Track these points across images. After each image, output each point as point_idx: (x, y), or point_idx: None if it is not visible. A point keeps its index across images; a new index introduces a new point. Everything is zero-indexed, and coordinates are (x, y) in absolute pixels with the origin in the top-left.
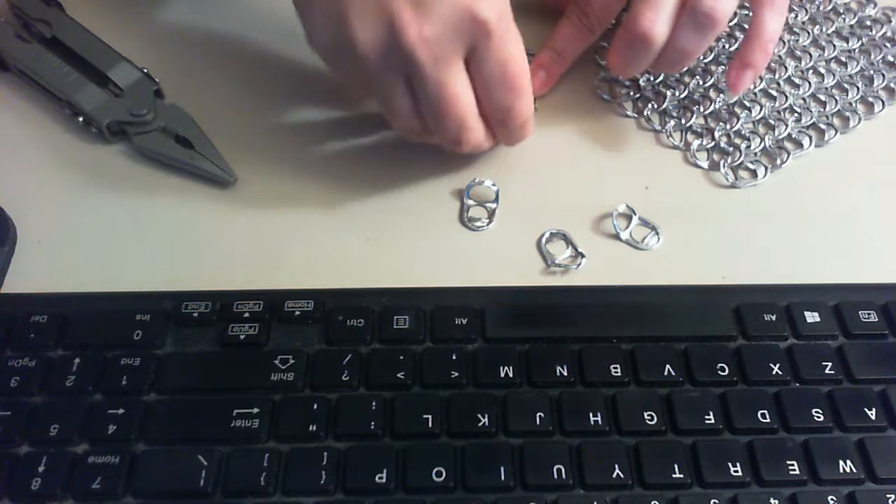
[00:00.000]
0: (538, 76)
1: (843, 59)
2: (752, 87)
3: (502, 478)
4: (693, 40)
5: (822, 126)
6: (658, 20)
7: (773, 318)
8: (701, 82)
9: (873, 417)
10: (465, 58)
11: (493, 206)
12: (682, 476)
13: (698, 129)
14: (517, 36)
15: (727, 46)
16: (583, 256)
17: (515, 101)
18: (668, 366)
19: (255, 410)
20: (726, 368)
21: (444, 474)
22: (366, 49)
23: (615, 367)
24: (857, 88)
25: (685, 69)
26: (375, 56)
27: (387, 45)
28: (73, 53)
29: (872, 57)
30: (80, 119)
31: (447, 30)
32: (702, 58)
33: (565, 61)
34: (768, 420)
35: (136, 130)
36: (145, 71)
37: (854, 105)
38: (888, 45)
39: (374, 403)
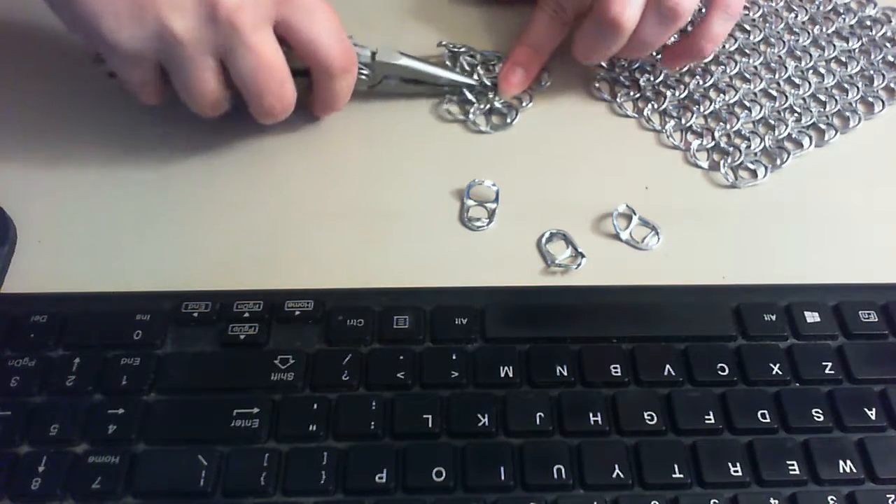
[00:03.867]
0: (516, 73)
1: (843, 59)
2: (752, 87)
3: (502, 478)
4: (656, 32)
5: (822, 126)
6: (629, 7)
7: (773, 318)
8: (701, 82)
9: (873, 417)
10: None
11: (493, 206)
12: (682, 476)
13: (698, 129)
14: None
15: (727, 46)
16: (583, 256)
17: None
18: (668, 366)
19: (255, 410)
20: (726, 368)
21: (444, 474)
22: (183, 33)
23: (615, 367)
24: (857, 88)
25: (685, 69)
26: (193, 35)
27: (205, 22)
28: None
29: (872, 57)
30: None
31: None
32: None
33: (542, 57)
34: (768, 420)
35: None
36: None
37: (854, 105)
38: (888, 45)
39: (374, 403)
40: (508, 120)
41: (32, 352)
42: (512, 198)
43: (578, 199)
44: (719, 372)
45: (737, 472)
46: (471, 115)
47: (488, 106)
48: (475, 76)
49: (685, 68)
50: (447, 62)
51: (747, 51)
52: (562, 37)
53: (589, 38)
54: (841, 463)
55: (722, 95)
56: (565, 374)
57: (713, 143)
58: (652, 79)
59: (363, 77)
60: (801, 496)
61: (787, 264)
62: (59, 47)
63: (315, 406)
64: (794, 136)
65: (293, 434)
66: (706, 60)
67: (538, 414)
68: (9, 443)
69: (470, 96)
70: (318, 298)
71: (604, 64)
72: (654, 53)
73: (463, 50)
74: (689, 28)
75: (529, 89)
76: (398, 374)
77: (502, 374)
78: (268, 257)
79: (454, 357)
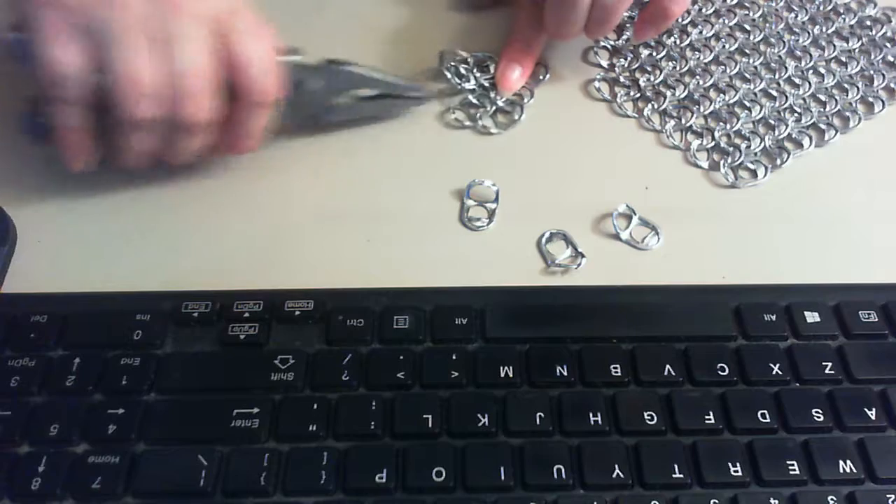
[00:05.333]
0: (513, 70)
1: (843, 59)
2: (752, 87)
3: (502, 478)
4: None
5: (822, 126)
6: None
7: (773, 318)
8: (701, 82)
9: (873, 417)
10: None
11: (493, 206)
12: (682, 476)
13: (698, 129)
14: None
15: (727, 46)
16: (583, 256)
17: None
18: (668, 366)
19: (255, 410)
20: (726, 368)
21: (444, 474)
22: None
23: (615, 367)
24: (857, 88)
25: (685, 69)
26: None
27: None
28: None
29: (872, 57)
30: None
31: None
32: (702, 58)
33: (535, 49)
34: (768, 420)
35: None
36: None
37: (854, 105)
38: (888, 45)
39: (374, 403)
40: (516, 117)
41: (32, 352)
42: (512, 198)
43: (578, 199)
44: (719, 372)
45: (737, 472)
46: (479, 121)
47: (493, 107)
48: (472, 80)
49: (685, 68)
50: (444, 70)
51: (747, 51)
52: None
53: (553, 11)
54: (841, 463)
55: (722, 95)
56: (565, 374)
57: (713, 143)
58: (652, 79)
59: (315, 90)
60: (801, 496)
61: (787, 264)
62: None
63: (315, 406)
64: (794, 136)
65: (293, 434)
66: (706, 60)
67: (538, 414)
68: (9, 443)
69: (473, 100)
70: (318, 298)
71: (604, 63)
72: (659, 35)
73: (458, 58)
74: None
75: (528, 85)
76: (398, 374)
77: (502, 374)
78: (268, 257)
79: (454, 357)
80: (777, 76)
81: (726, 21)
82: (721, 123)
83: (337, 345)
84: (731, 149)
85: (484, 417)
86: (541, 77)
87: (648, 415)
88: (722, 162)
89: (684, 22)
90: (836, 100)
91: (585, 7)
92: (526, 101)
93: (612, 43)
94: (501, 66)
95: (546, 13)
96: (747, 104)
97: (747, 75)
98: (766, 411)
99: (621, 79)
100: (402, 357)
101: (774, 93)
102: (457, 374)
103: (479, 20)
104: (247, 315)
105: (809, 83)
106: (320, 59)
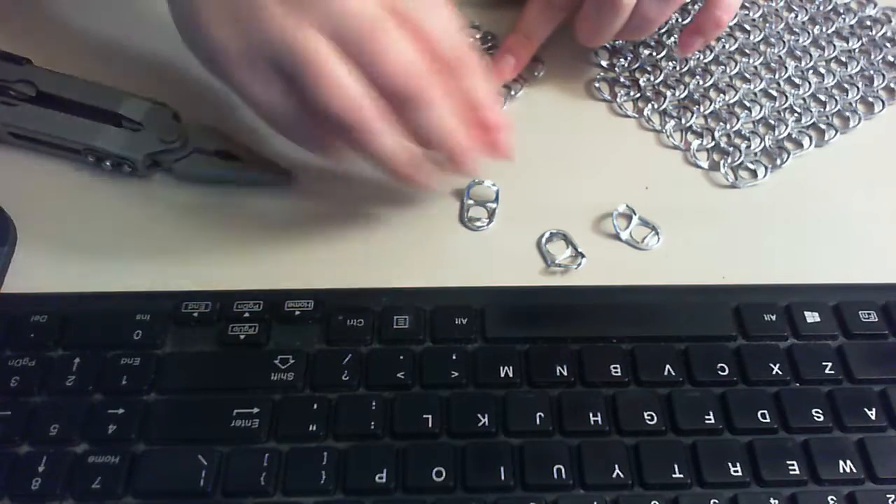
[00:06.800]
0: (506, 60)
1: (843, 59)
2: (752, 87)
3: (502, 478)
4: (657, 8)
5: (822, 126)
6: None
7: (773, 318)
8: (701, 82)
9: (873, 417)
10: None
11: (493, 206)
12: (682, 476)
13: (698, 129)
14: None
15: (727, 46)
16: (583, 256)
17: None
18: (668, 366)
19: (255, 410)
20: (726, 368)
21: (444, 474)
22: None
23: (615, 367)
24: (857, 88)
25: (685, 69)
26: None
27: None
28: (70, 102)
29: (872, 57)
30: (108, 163)
31: None
32: (702, 58)
33: (533, 44)
34: (768, 420)
35: (172, 158)
36: (155, 99)
37: (854, 105)
38: (888, 45)
39: (374, 403)
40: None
41: (32, 352)
42: (512, 198)
43: (578, 199)
44: (719, 372)
45: (737, 472)
46: None
47: None
48: None
49: (685, 68)
50: None
51: (747, 51)
52: (555, 22)
53: (590, 18)
54: (841, 463)
55: (722, 95)
56: (565, 374)
57: (713, 143)
58: (652, 79)
59: (170, 146)
60: (801, 496)
61: (787, 264)
62: (61, 45)
63: (315, 406)
64: (794, 136)
65: (293, 434)
66: (706, 60)
67: (538, 414)
68: (9, 443)
69: None
70: (318, 298)
71: (604, 63)
72: (658, 34)
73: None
74: (693, 7)
75: (522, 79)
76: (398, 374)
77: (502, 374)
78: (268, 257)
79: (454, 357)
80: (777, 76)
81: None
82: (721, 123)
83: (337, 345)
84: (731, 149)
85: (484, 417)
86: (536, 73)
87: (648, 415)
88: (722, 162)
89: (685, 22)
90: (836, 100)
91: (626, 16)
92: (513, 93)
93: (612, 42)
94: (497, 56)
95: (581, 20)
96: (747, 104)
97: (747, 75)
98: (766, 411)
99: (621, 79)
100: (402, 357)
101: (774, 93)
102: (457, 373)
103: (480, 20)
104: (247, 315)
105: (809, 83)
106: (168, 111)
